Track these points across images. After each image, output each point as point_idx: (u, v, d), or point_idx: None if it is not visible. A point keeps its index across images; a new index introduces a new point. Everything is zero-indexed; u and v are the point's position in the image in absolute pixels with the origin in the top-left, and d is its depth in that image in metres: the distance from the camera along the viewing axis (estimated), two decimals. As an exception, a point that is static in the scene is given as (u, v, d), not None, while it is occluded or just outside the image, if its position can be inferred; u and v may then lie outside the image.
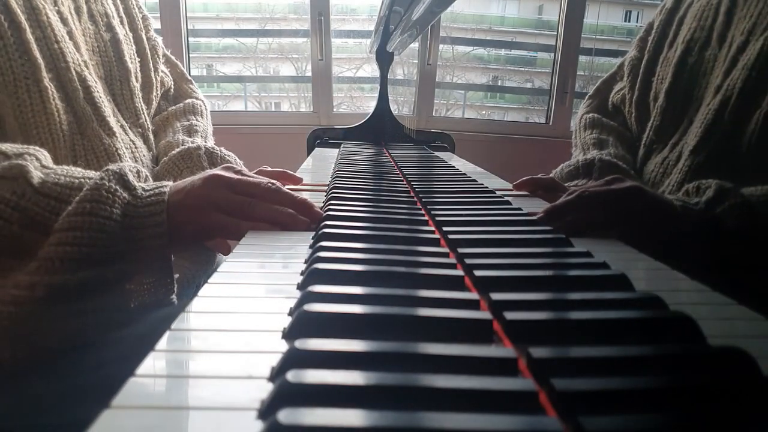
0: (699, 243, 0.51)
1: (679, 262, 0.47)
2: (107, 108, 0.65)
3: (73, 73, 0.58)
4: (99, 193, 0.42)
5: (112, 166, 0.45)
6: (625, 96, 0.91)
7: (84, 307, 0.41)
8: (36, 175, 0.43)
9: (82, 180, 0.44)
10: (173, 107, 0.85)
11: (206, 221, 0.48)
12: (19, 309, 0.39)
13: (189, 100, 0.88)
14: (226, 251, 0.69)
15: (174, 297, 0.47)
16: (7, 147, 0.45)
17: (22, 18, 0.54)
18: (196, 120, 0.83)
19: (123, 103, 0.70)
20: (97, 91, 0.62)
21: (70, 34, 0.60)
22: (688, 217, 0.52)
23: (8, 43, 0.53)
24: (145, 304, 0.46)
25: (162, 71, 0.85)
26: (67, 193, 0.43)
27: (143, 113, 0.75)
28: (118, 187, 0.43)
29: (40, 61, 0.55)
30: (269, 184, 0.51)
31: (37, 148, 0.47)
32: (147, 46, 0.78)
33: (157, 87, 0.81)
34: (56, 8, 0.60)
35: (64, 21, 0.60)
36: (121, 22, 0.74)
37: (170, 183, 0.48)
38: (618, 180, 0.55)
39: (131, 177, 0.45)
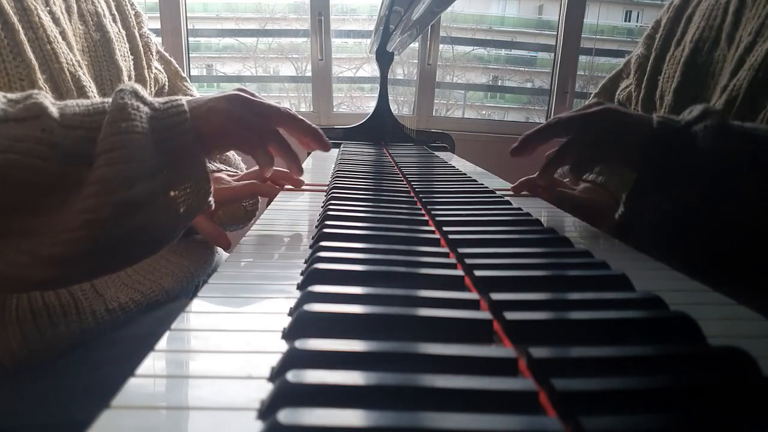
0: (673, 160, 0.51)
1: (658, 191, 0.47)
2: None
3: (67, 73, 0.58)
4: (127, 112, 0.43)
5: (124, 86, 0.46)
6: (631, 93, 0.90)
7: (143, 219, 0.43)
8: (54, 110, 0.43)
9: (96, 106, 0.45)
10: None
11: (229, 132, 0.51)
12: (90, 231, 0.40)
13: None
14: (226, 245, 0.68)
15: (211, 200, 0.49)
16: (11, 95, 0.45)
17: (15, 19, 0.54)
18: None
19: None
20: (92, 92, 0.62)
21: (62, 34, 0.60)
22: (665, 132, 0.52)
23: (2, 44, 0.52)
24: (191, 209, 0.48)
25: (156, 68, 0.84)
26: (89, 120, 0.43)
27: None
28: (139, 104, 0.44)
29: (34, 62, 0.55)
30: (285, 109, 0.56)
31: (38, 90, 0.47)
32: (140, 43, 0.77)
33: (150, 84, 0.80)
34: (47, 8, 0.59)
35: (56, 21, 0.60)
36: (114, 20, 0.73)
37: (183, 98, 0.49)
38: (595, 104, 0.56)
39: (144, 93, 0.46)
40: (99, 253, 0.42)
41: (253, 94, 0.55)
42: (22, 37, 0.54)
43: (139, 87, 0.46)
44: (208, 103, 0.50)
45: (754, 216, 0.49)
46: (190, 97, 0.51)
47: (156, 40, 0.84)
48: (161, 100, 0.47)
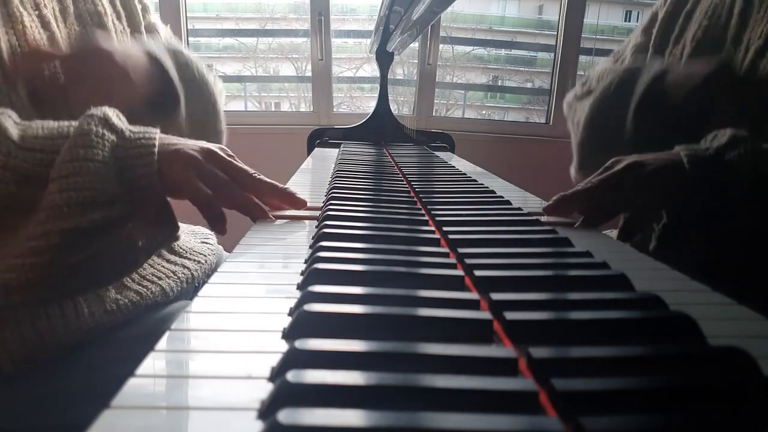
0: (708, 192, 0.50)
1: (693, 224, 0.48)
2: None
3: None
4: (89, 138, 0.42)
5: (95, 110, 0.45)
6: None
7: (97, 249, 0.42)
8: (15, 132, 0.42)
9: (62, 128, 0.44)
10: None
11: (187, 183, 0.48)
12: (38, 259, 0.40)
13: None
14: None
15: (179, 233, 0.48)
16: None
17: None
18: None
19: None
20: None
21: (50, 39, 0.59)
22: (697, 166, 0.51)
23: None
24: (153, 242, 0.47)
25: None
26: (50, 143, 0.43)
27: None
28: (105, 131, 0.43)
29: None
30: (254, 174, 0.53)
31: (3, 108, 0.46)
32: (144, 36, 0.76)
33: None
34: (37, 12, 0.58)
35: (45, 25, 0.58)
36: (118, 18, 0.72)
37: (157, 130, 0.48)
38: (617, 162, 0.56)
39: (115, 120, 0.45)
40: (49, 281, 0.41)
41: (232, 156, 0.53)
42: (3, 45, 0.53)
43: (111, 112, 0.45)
44: (178, 145, 0.48)
45: None
46: (165, 137, 0.49)
47: (164, 27, 0.83)
48: (135, 128, 0.46)
